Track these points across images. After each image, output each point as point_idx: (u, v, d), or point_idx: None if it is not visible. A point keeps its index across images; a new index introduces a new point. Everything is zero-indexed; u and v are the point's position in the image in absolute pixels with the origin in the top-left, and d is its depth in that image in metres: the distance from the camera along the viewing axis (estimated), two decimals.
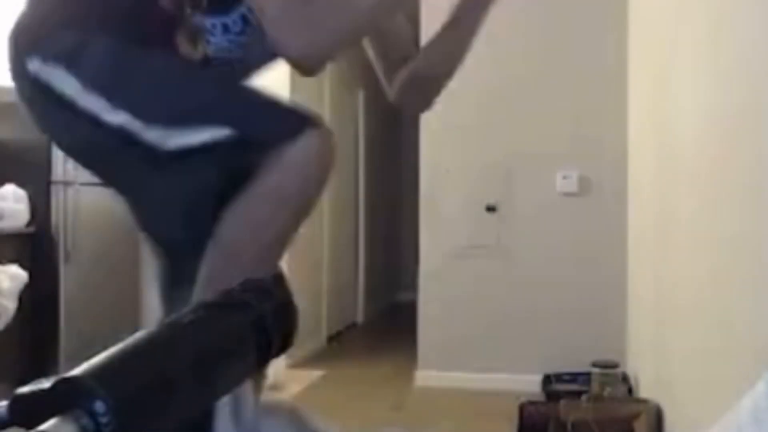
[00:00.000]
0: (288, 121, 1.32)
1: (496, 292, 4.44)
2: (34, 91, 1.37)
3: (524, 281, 4.40)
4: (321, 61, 1.39)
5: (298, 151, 1.28)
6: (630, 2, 4.14)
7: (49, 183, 3.76)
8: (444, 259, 4.49)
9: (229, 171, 1.30)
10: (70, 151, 1.50)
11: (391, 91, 1.69)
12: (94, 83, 1.31)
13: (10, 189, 3.72)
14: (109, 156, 1.37)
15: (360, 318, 7.01)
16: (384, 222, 7.85)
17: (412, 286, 4.92)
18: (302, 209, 1.34)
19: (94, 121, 1.30)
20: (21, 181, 3.74)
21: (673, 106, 2.82)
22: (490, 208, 4.45)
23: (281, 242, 1.35)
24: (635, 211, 3.98)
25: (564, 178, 4.38)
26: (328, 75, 5.79)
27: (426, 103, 1.69)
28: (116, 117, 1.29)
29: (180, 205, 1.39)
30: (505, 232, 4.44)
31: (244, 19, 1.46)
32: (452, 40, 1.61)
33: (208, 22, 1.45)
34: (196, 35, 1.43)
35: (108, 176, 1.50)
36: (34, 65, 1.34)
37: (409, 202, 6.31)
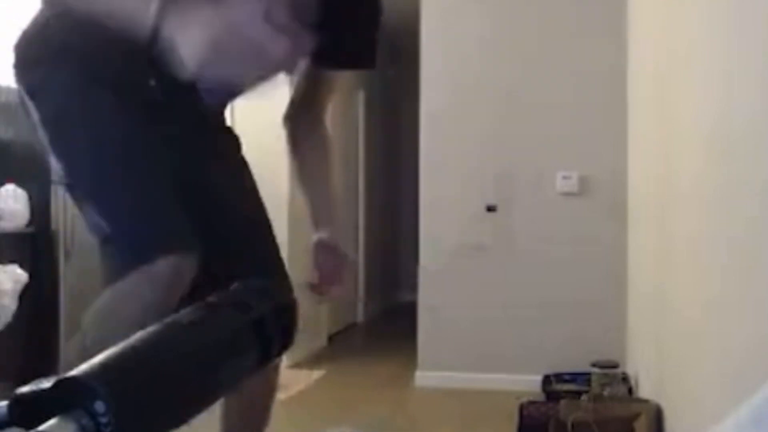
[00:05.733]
0: (150, 243, 1.44)
1: (495, 292, 4.44)
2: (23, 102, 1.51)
3: (524, 281, 4.40)
4: None
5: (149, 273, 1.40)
6: (630, 2, 4.14)
7: (49, 183, 3.75)
8: (444, 259, 4.49)
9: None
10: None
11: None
12: (44, 122, 1.46)
13: (10, 189, 3.71)
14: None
15: (360, 318, 7.01)
16: (384, 222, 7.85)
17: (412, 286, 4.91)
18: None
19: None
20: (21, 181, 3.73)
21: (673, 105, 2.82)
22: (490, 208, 4.45)
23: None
24: (635, 211, 3.98)
25: (564, 178, 4.38)
26: None
27: None
28: (54, 161, 1.52)
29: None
30: (505, 232, 4.44)
31: None
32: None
33: None
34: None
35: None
36: (21, 88, 1.48)
37: (409, 202, 6.31)
